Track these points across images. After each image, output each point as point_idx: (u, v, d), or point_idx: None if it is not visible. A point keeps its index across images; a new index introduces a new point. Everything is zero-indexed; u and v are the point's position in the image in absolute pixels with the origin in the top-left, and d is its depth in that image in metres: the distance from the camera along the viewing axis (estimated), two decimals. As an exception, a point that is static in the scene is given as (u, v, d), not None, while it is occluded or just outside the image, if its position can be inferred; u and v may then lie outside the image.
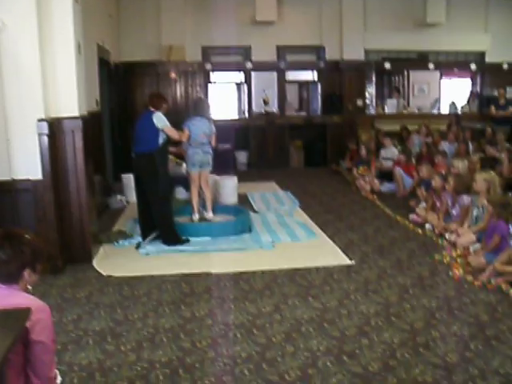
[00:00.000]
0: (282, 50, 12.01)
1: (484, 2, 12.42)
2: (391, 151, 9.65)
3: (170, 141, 6.40)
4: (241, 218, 7.00)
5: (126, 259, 5.87)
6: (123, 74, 10.81)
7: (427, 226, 6.68)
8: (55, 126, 5.39)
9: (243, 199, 8.68)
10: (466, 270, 5.14)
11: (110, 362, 3.59)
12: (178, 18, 11.29)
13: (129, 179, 8.06)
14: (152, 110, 6.20)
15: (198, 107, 6.91)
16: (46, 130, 5.18)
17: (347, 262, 5.59)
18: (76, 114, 5.51)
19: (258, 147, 12.06)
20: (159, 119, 6.11)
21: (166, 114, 6.27)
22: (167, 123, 6.15)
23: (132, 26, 11.09)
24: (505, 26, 12.44)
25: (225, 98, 12.62)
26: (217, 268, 5.45)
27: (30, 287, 2.59)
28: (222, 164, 11.51)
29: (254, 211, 7.93)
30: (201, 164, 6.77)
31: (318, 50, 12.14)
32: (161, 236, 6.27)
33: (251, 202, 8.59)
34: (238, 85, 12.44)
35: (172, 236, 6.25)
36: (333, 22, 11.95)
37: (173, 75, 11.44)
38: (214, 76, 12.22)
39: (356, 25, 11.96)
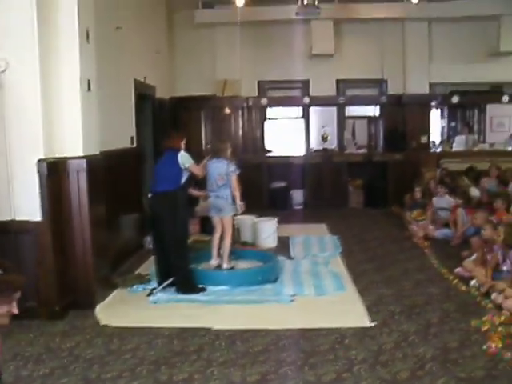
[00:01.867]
0: (341, 84, 11.46)
1: None
2: (446, 200, 8.47)
3: (192, 180, 6.14)
4: (267, 266, 6.49)
5: (131, 307, 5.54)
6: (173, 109, 10.67)
7: (473, 282, 5.79)
8: (58, 167, 5.20)
9: (284, 243, 8.14)
10: (505, 344, 4.28)
11: None
12: (234, 53, 11.08)
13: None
14: (176, 149, 5.98)
15: (216, 148, 6.62)
16: (45, 171, 4.99)
17: (366, 323, 4.90)
18: (80, 153, 5.30)
19: (314, 186, 11.38)
20: (185, 159, 5.91)
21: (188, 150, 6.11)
22: (191, 160, 5.95)
23: (186, 61, 11.02)
24: None
25: (281, 135, 12.18)
26: (220, 323, 4.95)
27: None
28: (277, 203, 11.17)
29: (290, 257, 7.39)
30: (215, 209, 6.43)
31: (380, 84, 11.47)
32: (175, 283, 5.90)
33: (290, 246, 8.02)
34: (296, 120, 11.96)
35: (187, 284, 5.85)
36: (395, 54, 11.22)
37: (227, 110, 11.21)
38: (270, 111, 11.85)
39: (421, 56, 11.16)
